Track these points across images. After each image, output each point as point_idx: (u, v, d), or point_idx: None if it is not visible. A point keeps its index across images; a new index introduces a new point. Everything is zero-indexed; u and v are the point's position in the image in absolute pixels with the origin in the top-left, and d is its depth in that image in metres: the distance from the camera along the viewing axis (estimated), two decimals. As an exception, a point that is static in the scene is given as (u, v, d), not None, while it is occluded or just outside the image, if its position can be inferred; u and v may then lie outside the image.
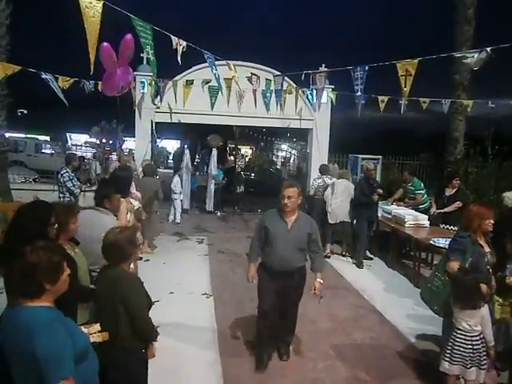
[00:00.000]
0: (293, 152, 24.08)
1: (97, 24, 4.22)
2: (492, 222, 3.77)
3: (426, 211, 7.87)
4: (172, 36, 6.03)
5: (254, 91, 9.94)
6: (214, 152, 12.34)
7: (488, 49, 5.35)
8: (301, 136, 17.44)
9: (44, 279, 1.87)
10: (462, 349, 3.35)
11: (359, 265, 7.57)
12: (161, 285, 5.74)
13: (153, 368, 2.90)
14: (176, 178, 10.58)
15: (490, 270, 3.75)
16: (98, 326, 2.30)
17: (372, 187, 7.67)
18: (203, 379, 3.88)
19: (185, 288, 5.96)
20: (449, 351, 3.42)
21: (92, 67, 4.57)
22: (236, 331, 4.85)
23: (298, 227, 4.06)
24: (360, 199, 7.64)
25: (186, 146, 13.76)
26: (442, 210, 7.41)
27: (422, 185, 8.47)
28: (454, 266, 3.62)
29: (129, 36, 6.49)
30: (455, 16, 11.43)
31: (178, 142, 23.82)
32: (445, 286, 3.83)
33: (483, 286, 3.50)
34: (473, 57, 5.59)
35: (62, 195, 7.09)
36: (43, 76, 7.72)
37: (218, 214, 12.04)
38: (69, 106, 8.02)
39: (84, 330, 2.17)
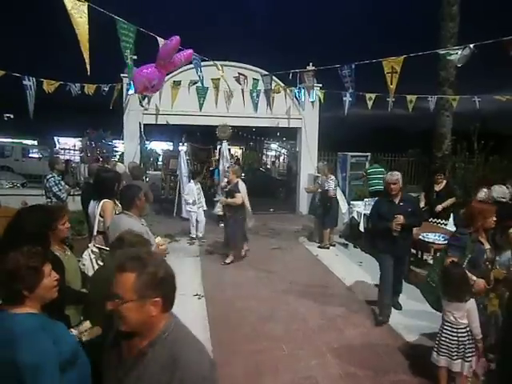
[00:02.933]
0: (282, 151, 24.13)
1: (85, 24, 4.19)
2: (495, 219, 3.81)
3: None
4: (158, 37, 6.01)
5: (242, 91, 9.95)
6: (225, 145, 11.03)
7: (471, 45, 5.42)
8: (290, 135, 17.48)
9: (22, 286, 1.82)
10: (448, 340, 3.46)
11: (384, 319, 5.17)
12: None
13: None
14: (189, 186, 9.25)
15: (490, 266, 3.80)
16: (88, 324, 2.29)
17: (395, 208, 5.02)
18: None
19: (177, 289, 5.94)
20: (437, 342, 3.55)
21: (88, 67, 4.52)
22: (228, 330, 4.85)
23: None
24: (377, 226, 5.32)
25: (182, 149, 12.71)
26: (440, 206, 7.39)
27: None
28: (449, 260, 3.68)
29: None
30: (440, 13, 11.55)
31: (169, 143, 23.65)
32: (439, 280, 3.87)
33: (481, 281, 3.56)
34: (456, 53, 5.65)
35: (48, 200, 7.00)
36: (24, 82, 7.65)
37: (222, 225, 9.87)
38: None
39: (74, 331, 2.15)
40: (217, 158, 11.78)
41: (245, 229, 7.71)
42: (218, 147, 12.14)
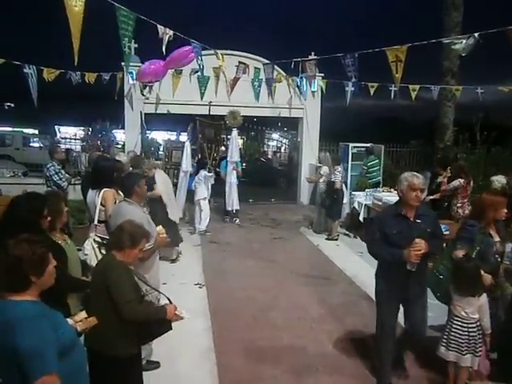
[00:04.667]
0: (284, 141, 24.05)
1: (80, 14, 4.15)
2: (505, 210, 3.76)
3: None
4: (158, 25, 5.96)
5: (237, 79, 9.87)
6: (235, 133, 9.89)
7: (476, 34, 5.37)
8: (291, 125, 17.39)
9: (30, 272, 1.83)
10: (458, 335, 3.39)
11: None
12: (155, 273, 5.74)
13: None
14: (199, 175, 8.73)
15: (499, 259, 3.74)
16: (83, 313, 2.29)
17: (410, 227, 3.43)
18: (197, 367, 3.91)
19: (178, 279, 5.95)
20: (446, 337, 3.47)
21: (76, 58, 4.50)
22: (229, 319, 4.88)
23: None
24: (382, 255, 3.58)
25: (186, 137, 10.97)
26: (428, 197, 7.35)
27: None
28: (459, 253, 3.62)
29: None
30: (444, 2, 11.42)
31: (170, 133, 23.53)
32: (449, 273, 3.83)
33: (487, 276, 3.51)
34: (461, 43, 5.60)
35: (49, 189, 7.00)
36: (25, 70, 7.60)
37: (237, 221, 9.78)
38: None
39: (70, 320, 2.15)
40: (222, 148, 11.16)
41: (176, 227, 6.66)
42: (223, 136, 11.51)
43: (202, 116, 10.36)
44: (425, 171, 10.97)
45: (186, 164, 9.43)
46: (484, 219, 3.75)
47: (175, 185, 9.87)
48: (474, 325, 3.40)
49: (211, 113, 11.09)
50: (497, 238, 3.76)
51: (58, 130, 25.43)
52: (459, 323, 3.41)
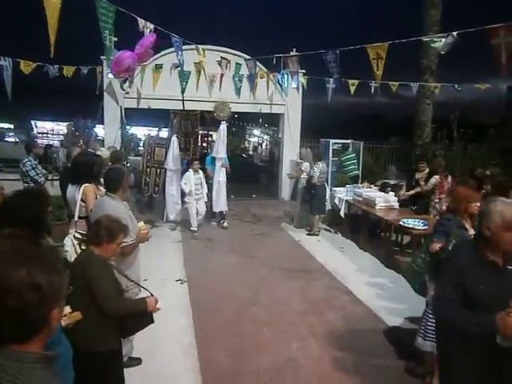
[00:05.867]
0: (265, 137, 24.09)
1: (57, 4, 4.06)
2: (478, 205, 3.86)
3: None
4: (138, 18, 5.89)
5: (222, 76, 9.84)
6: (223, 127, 8.96)
7: (454, 33, 5.46)
8: (273, 121, 17.43)
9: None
10: (434, 325, 3.47)
11: None
12: (139, 271, 5.69)
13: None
14: (186, 175, 8.29)
15: None
16: (68, 308, 2.26)
17: (505, 280, 2.37)
18: (179, 363, 3.90)
19: (159, 275, 5.90)
20: (423, 328, 3.58)
21: (52, 50, 4.40)
22: (211, 315, 4.87)
23: None
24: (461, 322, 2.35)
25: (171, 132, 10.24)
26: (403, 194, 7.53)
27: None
28: (436, 246, 3.72)
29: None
30: (423, 1, 11.59)
31: (150, 129, 23.22)
32: (426, 266, 3.93)
33: None
34: (440, 41, 5.69)
35: (26, 185, 6.85)
36: (0, 62, 7.41)
37: (225, 224, 8.99)
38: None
39: None
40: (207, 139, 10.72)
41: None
42: (203, 132, 11.06)
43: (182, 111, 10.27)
44: (391, 166, 11.24)
45: (174, 162, 8.86)
46: (458, 211, 3.86)
47: (158, 185, 9.56)
48: None
49: (192, 108, 11.00)
50: (472, 232, 3.87)
51: (35, 124, 24.88)
52: None
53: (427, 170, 7.57)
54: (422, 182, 7.39)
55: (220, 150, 8.83)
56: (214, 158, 8.97)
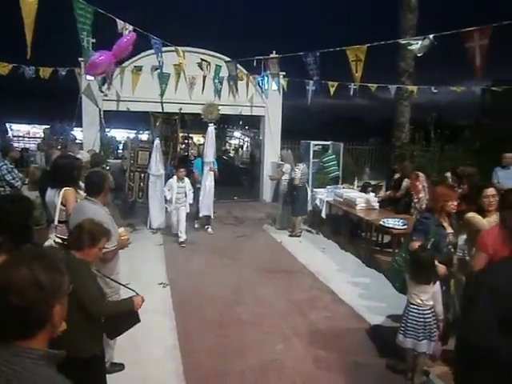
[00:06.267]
0: (246, 139, 24.11)
1: (33, 4, 3.99)
2: (455, 204, 3.95)
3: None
4: (117, 19, 5.82)
5: (205, 78, 9.81)
6: (211, 130, 8.70)
7: (431, 36, 5.58)
8: (253, 123, 17.47)
9: None
10: (414, 322, 3.56)
11: None
12: (119, 275, 5.61)
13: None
14: (169, 182, 8.01)
15: (452, 250, 3.95)
16: None
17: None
18: (163, 366, 3.86)
19: (141, 278, 5.83)
20: (403, 325, 3.64)
21: (29, 50, 4.32)
22: (194, 317, 4.85)
23: None
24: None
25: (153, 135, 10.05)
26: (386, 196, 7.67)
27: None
28: (415, 245, 3.81)
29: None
30: (400, 4, 11.82)
31: (130, 131, 22.92)
32: (406, 264, 4.00)
33: (442, 267, 3.71)
34: (417, 43, 5.81)
35: (1, 189, 6.69)
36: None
37: (210, 229, 8.78)
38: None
39: None
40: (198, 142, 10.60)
41: None
42: (183, 135, 10.96)
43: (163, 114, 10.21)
44: (366, 169, 11.46)
45: (157, 167, 8.63)
46: (435, 209, 3.95)
47: (142, 190, 9.32)
48: (429, 311, 3.59)
49: (172, 111, 10.94)
50: (449, 230, 3.97)
51: (10, 127, 24.33)
52: (415, 310, 3.59)
53: (397, 176, 7.69)
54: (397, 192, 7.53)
55: (208, 154, 8.59)
56: (202, 162, 8.74)
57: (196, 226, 8.93)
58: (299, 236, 8.57)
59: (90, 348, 2.60)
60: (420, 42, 5.58)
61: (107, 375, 2.95)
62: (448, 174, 7.25)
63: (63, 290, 1.27)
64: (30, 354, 1.17)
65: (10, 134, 22.84)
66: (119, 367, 3.68)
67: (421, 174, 7.07)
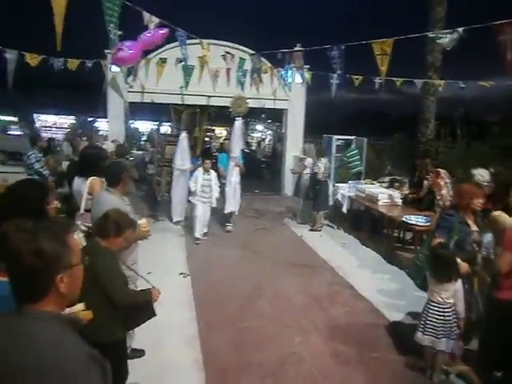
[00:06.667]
0: (268, 133, 24.06)
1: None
2: (481, 201, 3.87)
3: None
4: (144, 12, 5.88)
5: (229, 70, 9.82)
6: (239, 124, 8.39)
7: (460, 29, 5.45)
8: (276, 116, 17.42)
9: None
10: (434, 320, 3.52)
11: None
12: (138, 265, 5.72)
13: (132, 344, 2.91)
14: (195, 174, 7.58)
15: (477, 248, 3.86)
16: (81, 306, 2.21)
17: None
18: (183, 355, 3.93)
19: (162, 268, 5.94)
20: (422, 322, 3.60)
21: (59, 42, 4.40)
22: (214, 308, 4.91)
23: None
24: None
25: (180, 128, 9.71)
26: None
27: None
28: (436, 241, 3.74)
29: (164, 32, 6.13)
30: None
31: (154, 123, 23.11)
32: (427, 261, 3.95)
33: (464, 264, 3.64)
34: (446, 37, 5.67)
35: (30, 177, 6.88)
36: (7, 55, 7.40)
37: (229, 227, 8.33)
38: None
39: (67, 310, 2.10)
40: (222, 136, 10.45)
41: None
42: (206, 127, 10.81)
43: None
44: (388, 167, 11.28)
45: (183, 160, 8.30)
46: (460, 206, 3.87)
47: (169, 184, 9.00)
48: (450, 309, 3.54)
49: (196, 103, 11.02)
50: (474, 228, 3.89)
51: (38, 118, 24.92)
52: (435, 308, 3.54)
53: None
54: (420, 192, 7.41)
55: (235, 148, 8.22)
56: (228, 156, 8.37)
57: (228, 227, 8.33)
58: (320, 231, 8.54)
59: (113, 333, 2.67)
60: (449, 36, 5.45)
61: (128, 361, 3.02)
62: (476, 171, 7.04)
63: (64, 260, 1.31)
64: (41, 315, 1.24)
65: (37, 124, 23.42)
66: (139, 353, 3.76)
67: (442, 170, 6.92)
